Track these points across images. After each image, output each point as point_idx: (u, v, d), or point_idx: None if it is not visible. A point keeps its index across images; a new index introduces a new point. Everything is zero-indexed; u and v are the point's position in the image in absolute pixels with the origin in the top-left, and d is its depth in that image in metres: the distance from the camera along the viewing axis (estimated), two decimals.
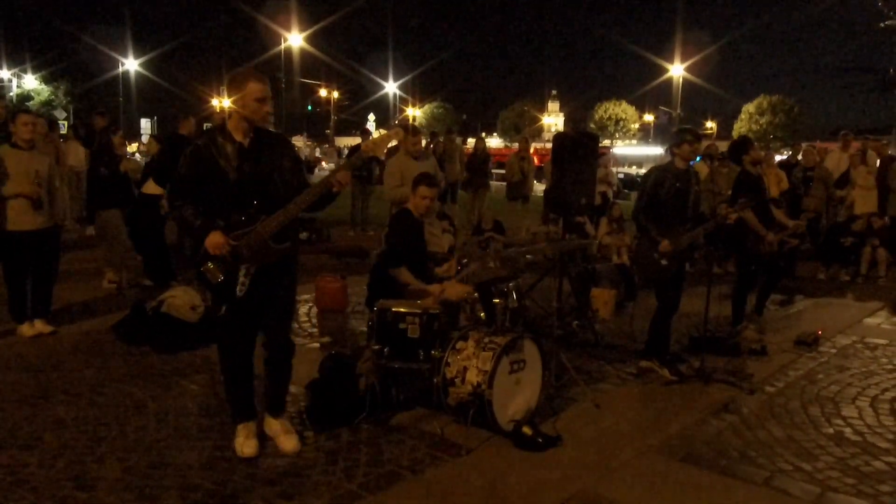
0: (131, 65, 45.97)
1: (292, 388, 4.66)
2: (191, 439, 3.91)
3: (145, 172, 7.86)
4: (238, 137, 3.55)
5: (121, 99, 46.19)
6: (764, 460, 3.90)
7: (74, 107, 46.99)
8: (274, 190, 3.59)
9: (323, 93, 55.97)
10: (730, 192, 9.33)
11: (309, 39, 39.14)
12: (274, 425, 3.89)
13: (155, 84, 50.21)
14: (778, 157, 12.87)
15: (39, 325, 5.73)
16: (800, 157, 11.94)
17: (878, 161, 11.04)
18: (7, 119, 7.62)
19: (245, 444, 3.71)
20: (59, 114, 39.23)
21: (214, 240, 3.44)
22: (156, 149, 8.01)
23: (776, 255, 6.77)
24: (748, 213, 6.08)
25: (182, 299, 5.85)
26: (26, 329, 5.68)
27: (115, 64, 46.02)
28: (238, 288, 3.53)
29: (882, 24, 21.50)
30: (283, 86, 40.09)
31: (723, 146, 12.61)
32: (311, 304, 7.01)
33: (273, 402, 3.95)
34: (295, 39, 37.83)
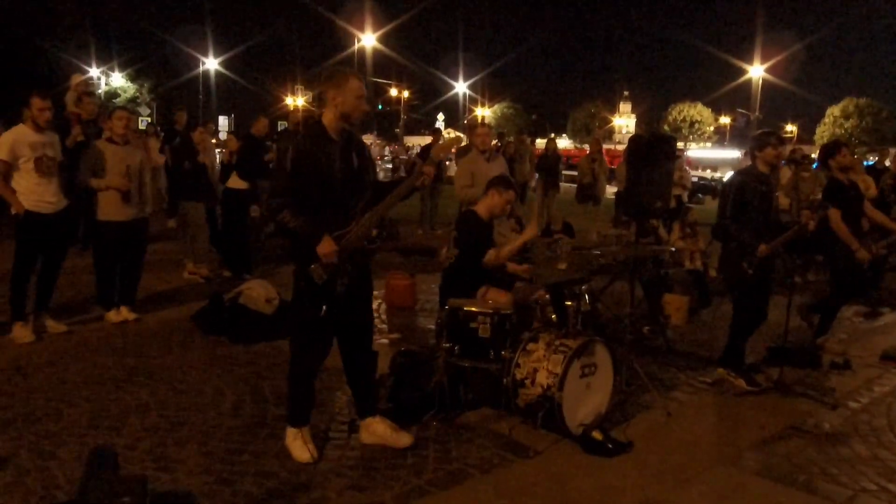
0: (211, 64, 47.59)
1: None
2: (266, 427, 4.03)
3: (227, 168, 8.15)
4: (335, 136, 3.57)
5: (200, 97, 47.87)
6: (846, 479, 3.74)
7: (157, 104, 49.01)
8: (366, 189, 3.66)
9: (393, 92, 56.62)
10: (812, 198, 8.99)
11: (381, 39, 39.68)
12: (379, 426, 3.87)
13: (232, 82, 51.85)
14: (865, 163, 12.26)
15: (125, 312, 6.01)
16: (887, 162, 11.38)
17: None
18: (99, 115, 8.04)
19: (304, 449, 3.65)
20: (143, 111, 41.02)
21: (327, 248, 3.42)
22: (235, 146, 8.28)
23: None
24: (838, 223, 5.81)
25: (258, 292, 6.03)
26: (113, 315, 5.97)
27: (196, 63, 47.76)
28: (338, 288, 3.54)
29: None
30: None
31: (804, 150, 12.16)
32: (380, 301, 7.11)
33: (370, 403, 3.93)
34: (368, 39, 38.39)
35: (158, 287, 7.26)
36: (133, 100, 47.95)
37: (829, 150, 6.31)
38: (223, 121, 57.94)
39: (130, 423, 4.01)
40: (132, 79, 50.41)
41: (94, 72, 45.11)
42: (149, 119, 38.19)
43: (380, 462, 3.65)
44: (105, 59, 46.54)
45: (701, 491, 3.56)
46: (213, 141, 11.12)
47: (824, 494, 3.56)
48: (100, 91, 46.28)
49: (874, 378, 5.44)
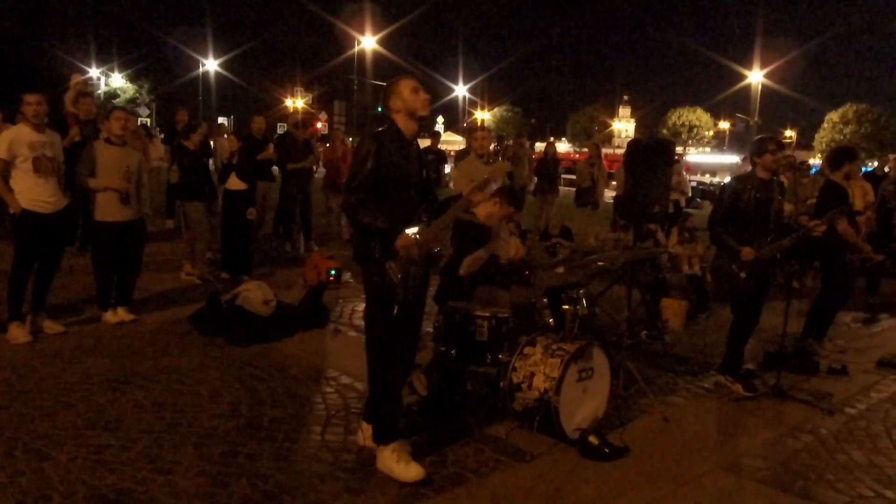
0: (211, 65, 47.62)
1: (358, 385, 4.77)
2: (262, 430, 4.02)
3: (226, 169, 8.14)
4: (409, 138, 3.59)
5: (200, 98, 47.87)
6: (843, 485, 3.74)
7: (157, 105, 49.03)
8: (430, 195, 3.68)
9: None
10: (809, 202, 8.99)
11: (381, 42, 39.71)
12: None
13: (232, 84, 51.87)
14: (864, 169, 12.29)
15: (122, 313, 5.99)
16: (887, 168, 11.39)
17: None
18: (98, 115, 8.03)
19: (410, 468, 3.48)
20: (142, 111, 41.05)
21: (407, 240, 3.40)
22: (237, 145, 8.28)
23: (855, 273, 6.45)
24: (846, 226, 5.82)
25: (255, 293, 6.02)
26: (110, 316, 5.95)
27: (196, 64, 47.78)
28: (408, 290, 3.51)
29: None
30: (356, 87, 40.72)
31: (801, 156, 12.17)
32: None
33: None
34: (368, 42, 38.42)
35: (156, 288, 7.25)
36: (132, 100, 47.99)
37: (847, 154, 6.26)
38: (223, 122, 57.95)
39: (126, 425, 3.99)
40: (132, 79, 50.47)
41: (93, 72, 45.14)
42: (147, 120, 38.23)
43: (374, 465, 3.63)
44: (105, 60, 46.62)
45: (698, 496, 3.55)
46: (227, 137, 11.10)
47: (821, 500, 3.56)
48: (99, 91, 46.32)
49: (871, 384, 5.44)
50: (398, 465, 3.50)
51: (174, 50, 48.31)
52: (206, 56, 47.19)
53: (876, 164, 12.83)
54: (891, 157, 12.48)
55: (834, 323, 6.40)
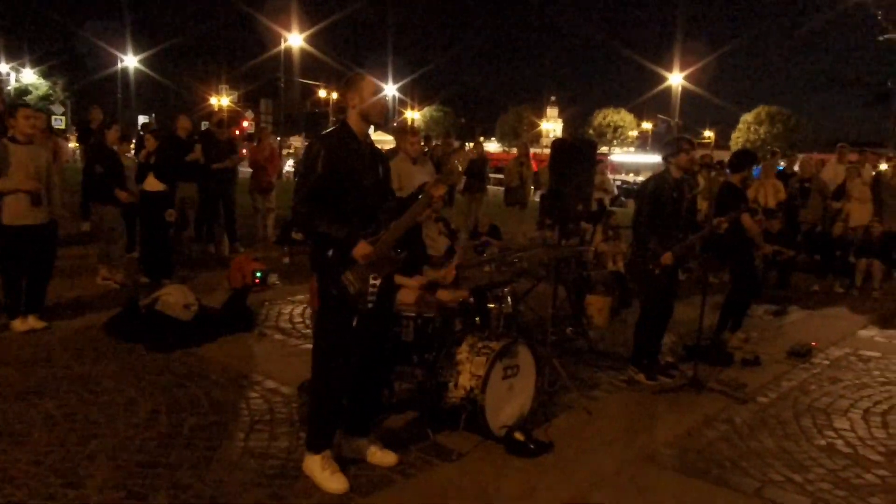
0: (130, 61, 45.89)
1: (284, 389, 4.68)
2: (182, 438, 3.89)
3: (143, 169, 7.85)
4: (361, 139, 3.47)
5: (119, 96, 46.07)
6: (755, 471, 3.90)
7: (72, 102, 46.91)
8: (388, 198, 3.58)
9: (322, 93, 55.98)
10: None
11: (309, 39, 39.11)
12: (368, 446, 3.72)
13: (154, 81, 50.13)
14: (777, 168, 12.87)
15: (32, 321, 5.70)
16: (796, 167, 11.98)
17: (871, 174, 11.06)
18: (6, 113, 7.62)
19: (335, 479, 3.42)
20: (57, 109, 39.18)
21: (364, 250, 3.30)
22: (153, 145, 8.00)
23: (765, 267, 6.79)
24: (750, 221, 6.09)
25: (176, 297, 5.84)
26: (19, 324, 5.65)
27: (115, 60, 45.97)
28: (368, 298, 3.40)
29: (881, 38, 21.58)
30: (283, 85, 40.01)
31: (719, 155, 12.67)
32: (304, 306, 6.99)
33: (368, 421, 3.80)
34: (295, 39, 37.75)
35: (70, 294, 6.93)
36: (46, 97, 45.76)
37: (750, 158, 6.57)
38: (143, 120, 56.03)
39: (36, 438, 3.80)
40: (45, 75, 48.11)
41: (2, 67, 42.86)
42: (63, 118, 36.54)
43: (300, 470, 3.57)
44: (15, 55, 44.29)
45: (621, 488, 3.64)
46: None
47: (734, 487, 3.71)
48: (9, 88, 44.00)
49: (782, 374, 5.70)
50: (323, 473, 3.45)
51: (91, 45, 46.36)
52: (125, 52, 45.49)
53: (784, 163, 13.48)
54: (799, 156, 13.12)
55: (747, 315, 6.69)
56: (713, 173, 10.36)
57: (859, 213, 10.25)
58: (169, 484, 3.39)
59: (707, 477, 3.80)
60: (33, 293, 5.76)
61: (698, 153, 6.45)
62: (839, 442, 4.36)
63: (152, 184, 7.56)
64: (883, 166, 13.29)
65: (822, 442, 4.35)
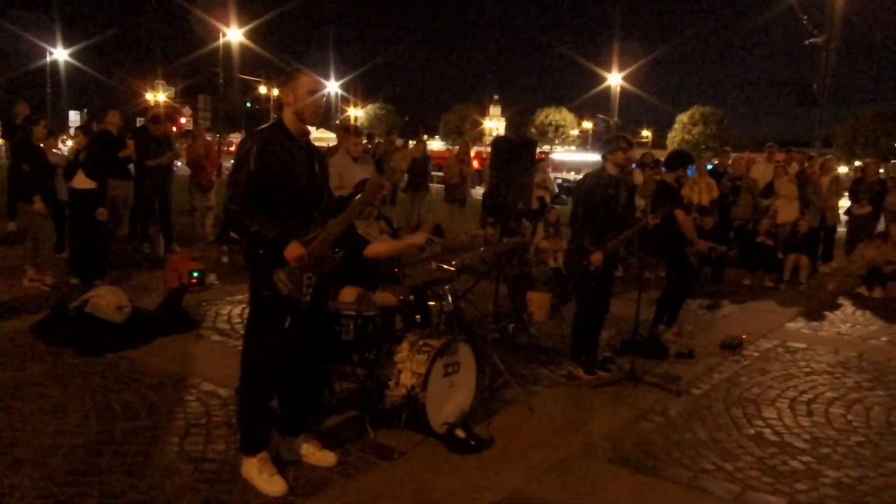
0: (60, 54, 44.18)
1: (222, 391, 4.59)
2: (113, 444, 3.77)
3: (73, 166, 7.58)
4: (296, 135, 3.39)
5: (48, 90, 44.29)
6: (688, 461, 4.02)
7: None
8: (324, 196, 3.52)
9: (263, 90, 54.97)
10: None
11: (248, 35, 38.37)
12: (305, 446, 3.68)
13: (86, 75, 48.41)
14: (708, 166, 13.30)
15: None
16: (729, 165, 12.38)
17: (796, 172, 11.51)
18: None
19: (273, 482, 3.36)
20: None
21: (296, 251, 3.22)
22: (83, 142, 7.72)
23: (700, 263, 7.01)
24: (683, 218, 6.27)
25: (107, 299, 5.65)
26: None
27: (43, 53, 44.17)
28: (302, 299, 3.33)
29: (806, 42, 22.50)
30: (222, 82, 39.14)
31: (658, 154, 12.98)
32: (243, 306, 6.86)
33: (303, 421, 3.74)
34: (234, 34, 37.00)
35: None
36: None
37: (685, 159, 6.76)
38: (74, 115, 54.06)
39: None
40: None
41: None
42: None
43: (238, 474, 3.50)
44: None
45: (560, 482, 3.69)
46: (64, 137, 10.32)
47: (669, 477, 3.81)
48: None
49: (714, 366, 5.89)
50: (261, 476, 3.39)
51: (17, 37, 44.37)
52: (54, 44, 43.75)
53: (717, 161, 13.93)
54: (732, 155, 13.58)
55: (682, 310, 6.88)
56: (649, 171, 10.61)
57: (786, 210, 10.66)
58: (99, 492, 3.28)
59: (642, 468, 3.90)
60: None
61: (636, 152, 6.59)
62: (767, 431, 4.53)
63: (82, 181, 7.29)
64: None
65: (752, 431, 4.51)
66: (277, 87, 3.50)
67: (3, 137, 10.92)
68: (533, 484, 3.64)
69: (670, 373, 5.55)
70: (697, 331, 6.92)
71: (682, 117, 58.85)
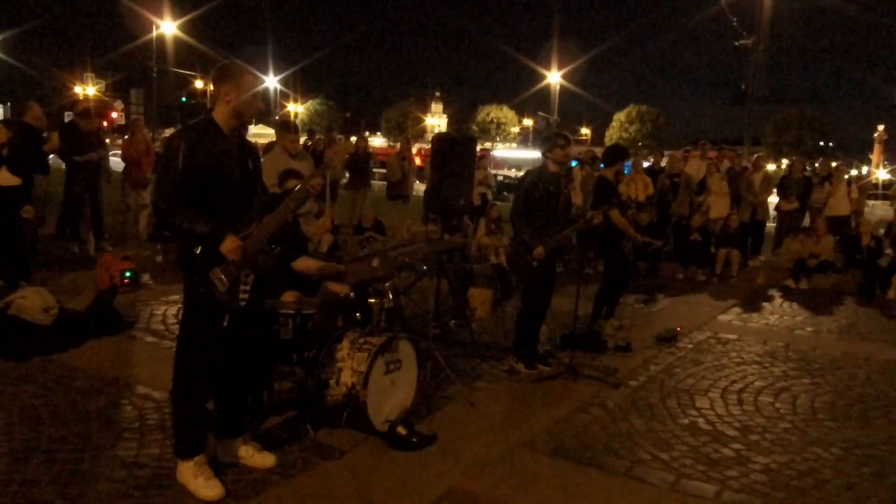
0: None
1: (156, 394, 4.46)
2: (40, 452, 3.61)
3: None
4: (226, 131, 3.31)
5: None
6: (625, 451, 4.11)
7: None
8: (258, 192, 3.46)
9: (199, 84, 53.61)
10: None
11: (183, 28, 37.32)
12: (243, 448, 3.60)
13: (10, 67, 46.20)
14: (644, 164, 13.62)
15: None
16: (663, 163, 12.71)
17: (727, 169, 11.91)
18: None
19: (209, 486, 3.28)
20: None
21: (232, 244, 3.17)
22: (6, 136, 7.36)
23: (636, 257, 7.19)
24: (618, 216, 6.41)
25: (33, 300, 5.41)
26: None
27: None
28: (240, 297, 3.27)
29: (736, 44, 23.29)
30: (155, 76, 37.99)
31: (598, 151, 13.23)
32: (178, 306, 6.68)
33: (240, 423, 3.66)
34: (168, 27, 35.93)
35: None
36: None
37: (622, 153, 6.92)
38: None
39: None
40: None
41: None
42: None
43: (173, 479, 3.41)
44: None
45: (501, 475, 3.73)
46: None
47: (606, 468, 3.89)
48: None
49: (650, 358, 6.04)
50: (197, 480, 3.31)
51: None
52: None
53: (653, 160, 14.31)
54: (666, 153, 13.93)
55: (619, 303, 7.03)
56: (588, 168, 10.80)
57: (718, 205, 11.02)
58: (26, 501, 3.14)
59: (581, 459, 3.97)
60: None
61: (574, 149, 6.70)
62: (700, 420, 4.67)
63: (5, 178, 6.95)
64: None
65: (686, 421, 4.64)
66: (213, 82, 3.41)
67: None
68: (473, 479, 3.67)
69: (609, 366, 5.67)
70: (634, 324, 7.09)
71: (620, 115, 60.05)
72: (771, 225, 12.76)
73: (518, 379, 5.30)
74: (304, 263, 4.77)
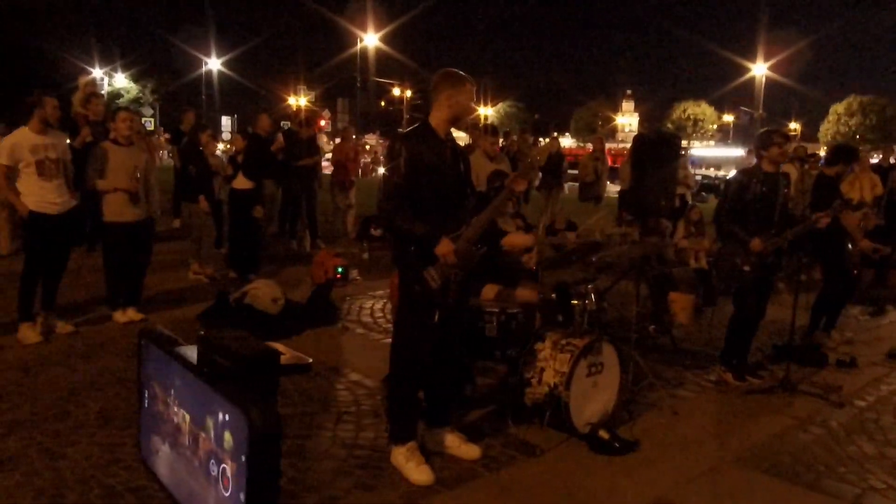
0: (214, 64, 47.65)
1: (367, 382, 4.78)
2: (291, 427, 4.01)
3: (234, 168, 8.18)
4: (443, 137, 3.51)
5: (203, 97, 47.93)
6: (854, 476, 3.74)
7: (161, 105, 49.08)
8: (469, 194, 3.63)
9: (396, 91, 56.65)
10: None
11: (384, 38, 39.67)
12: (450, 438, 3.78)
13: (235, 83, 51.88)
14: (871, 161, 12.24)
15: (131, 313, 6.02)
16: (893, 159, 11.35)
17: None
18: (107, 116, 8.07)
19: (421, 471, 3.46)
20: (146, 111, 41.08)
21: (447, 248, 3.35)
22: (241, 145, 8.31)
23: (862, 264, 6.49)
24: (849, 218, 5.84)
25: (264, 291, 6.05)
26: (119, 316, 5.98)
27: (199, 63, 47.81)
28: (450, 294, 3.47)
29: None
30: (359, 85, 40.74)
31: (810, 148, 12.14)
32: (384, 301, 7.12)
33: (447, 414, 3.85)
34: (370, 39, 38.38)
35: (164, 287, 7.28)
36: (136, 100, 48.04)
37: (847, 157, 6.30)
38: (226, 121, 58.06)
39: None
40: (135, 79, 50.50)
41: (96, 72, 45.26)
42: (151, 119, 38.27)
43: (387, 461, 3.65)
44: (108, 60, 46.64)
45: (708, 489, 3.56)
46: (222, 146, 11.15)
47: (831, 492, 3.56)
48: (103, 92, 46.39)
49: (881, 376, 5.43)
50: (409, 465, 3.51)
51: (177, 49, 48.33)
52: (208, 55, 47.22)
53: (881, 155, 12.80)
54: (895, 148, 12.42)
55: (842, 315, 6.40)
56: (805, 166, 9.94)
57: None
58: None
59: (800, 481, 3.67)
60: (132, 287, 6.08)
61: (791, 146, 6.20)
62: None
63: (240, 182, 7.85)
64: None
65: None
66: (433, 89, 3.55)
67: (171, 143, 11.93)
68: (680, 491, 3.53)
69: (830, 382, 5.17)
70: (860, 339, 6.41)
71: (838, 107, 54.59)
72: None
73: (725, 390, 5.01)
74: (511, 239, 4.73)
